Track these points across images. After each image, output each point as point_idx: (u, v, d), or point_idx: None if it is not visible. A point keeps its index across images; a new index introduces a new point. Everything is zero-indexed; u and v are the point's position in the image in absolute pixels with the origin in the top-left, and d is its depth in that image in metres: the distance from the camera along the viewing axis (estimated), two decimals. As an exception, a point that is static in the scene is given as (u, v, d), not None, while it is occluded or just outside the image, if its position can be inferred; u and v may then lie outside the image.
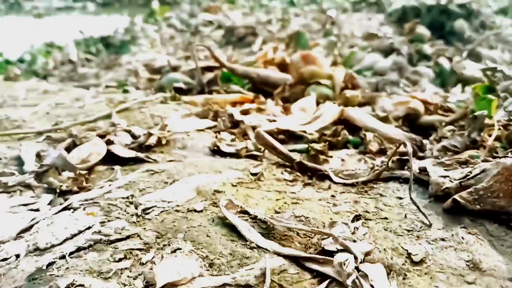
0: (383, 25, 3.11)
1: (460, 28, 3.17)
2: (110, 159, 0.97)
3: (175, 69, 2.07)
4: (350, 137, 1.26)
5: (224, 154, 1.02)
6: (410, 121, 1.48)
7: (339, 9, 4.80)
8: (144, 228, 0.74)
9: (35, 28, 7.33)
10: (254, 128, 1.19)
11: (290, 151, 1.16)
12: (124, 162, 0.96)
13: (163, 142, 1.02)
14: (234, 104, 1.60)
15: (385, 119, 1.35)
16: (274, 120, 1.28)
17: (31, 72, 3.09)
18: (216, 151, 1.02)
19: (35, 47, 4.89)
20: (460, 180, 0.88)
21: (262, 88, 1.85)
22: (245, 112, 1.33)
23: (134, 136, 1.05)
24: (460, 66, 2.23)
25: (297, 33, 2.33)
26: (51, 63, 2.94)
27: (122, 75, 2.00)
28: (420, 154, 1.20)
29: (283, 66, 2.09)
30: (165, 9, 3.50)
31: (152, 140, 1.00)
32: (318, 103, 1.58)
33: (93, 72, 1.97)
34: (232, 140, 1.06)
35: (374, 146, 1.20)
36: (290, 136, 1.22)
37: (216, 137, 1.07)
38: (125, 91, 1.93)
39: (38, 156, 0.96)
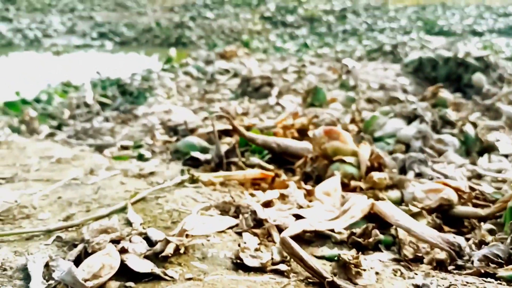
0: (399, 75, 3.07)
1: (477, 81, 3.13)
2: (124, 272, 0.88)
3: (192, 130, 2.02)
4: (382, 236, 1.16)
5: (247, 268, 0.93)
6: (442, 211, 1.39)
7: (353, 55, 4.80)
8: None
9: (53, 65, 7.47)
10: (278, 227, 1.11)
11: (318, 257, 1.07)
12: (139, 277, 0.88)
13: (182, 250, 0.94)
14: (254, 181, 1.54)
15: (418, 215, 1.27)
16: (299, 215, 1.20)
17: (46, 115, 3.06)
18: (239, 264, 0.94)
19: (52, 85, 4.95)
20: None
21: (282, 157, 1.80)
22: (267, 204, 1.26)
23: (150, 242, 0.97)
24: (487, 134, 2.15)
25: (314, 88, 2.29)
26: (67, 112, 2.92)
27: (137, 130, 1.95)
28: (459, 262, 1.10)
29: (302, 132, 2.04)
30: (182, 55, 3.51)
31: (169, 250, 0.92)
32: (343, 184, 1.50)
33: (109, 127, 1.92)
34: (256, 249, 0.97)
35: (409, 251, 1.11)
36: (317, 235, 1.14)
37: (239, 245, 0.98)
38: (140, 156, 1.87)
39: (47, 266, 0.88)
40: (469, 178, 1.61)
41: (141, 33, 10.04)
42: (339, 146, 1.61)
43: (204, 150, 1.71)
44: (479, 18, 14.06)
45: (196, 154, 1.71)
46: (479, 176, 1.80)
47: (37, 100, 4.01)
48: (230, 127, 1.83)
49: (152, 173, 1.51)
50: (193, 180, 1.34)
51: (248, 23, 11.56)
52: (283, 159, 1.79)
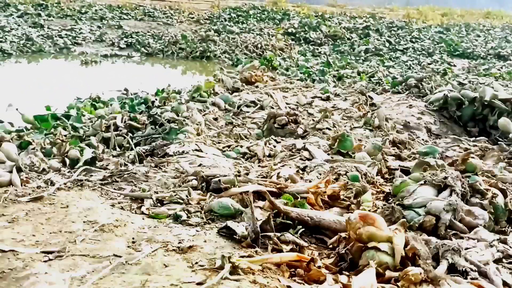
0: (424, 113, 3.13)
1: (504, 126, 3.14)
2: None
3: (225, 188, 2.02)
4: None
5: None
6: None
7: (377, 87, 4.82)
8: None
9: (82, 76, 7.72)
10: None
11: None
12: None
13: None
14: (290, 263, 1.60)
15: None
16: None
17: (77, 137, 3.20)
18: None
19: (81, 99, 5.13)
20: None
21: (315, 229, 1.86)
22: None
23: None
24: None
25: (342, 135, 2.37)
26: (99, 147, 3.01)
27: (171, 176, 2.03)
28: None
29: (333, 198, 2.08)
30: (209, 85, 3.62)
31: None
32: (377, 274, 1.54)
33: (143, 171, 2.01)
34: None
35: None
36: None
37: None
38: (177, 217, 1.94)
39: None
40: (499, 260, 1.63)
41: (167, 45, 10.26)
42: (374, 232, 1.64)
43: (237, 212, 1.82)
44: (504, 41, 13.93)
45: (231, 224, 1.76)
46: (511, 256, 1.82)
47: (67, 116, 4.18)
48: (261, 188, 1.90)
49: (191, 248, 1.60)
50: (234, 271, 1.43)
51: (272, 39, 11.70)
52: (316, 230, 1.85)
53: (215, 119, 2.84)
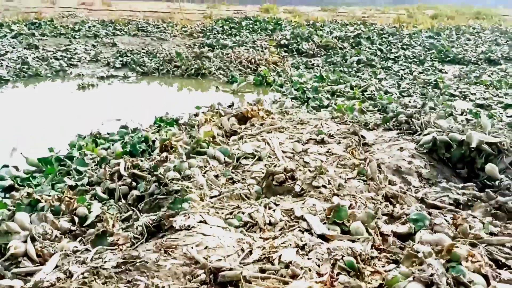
0: (415, 157, 3.26)
1: (490, 172, 3.25)
2: None
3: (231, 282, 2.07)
4: None
5: None
6: None
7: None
8: None
9: (80, 103, 7.82)
10: None
11: None
12: None
13: None
14: None
15: None
16: None
17: (83, 191, 3.32)
18: None
19: (82, 135, 5.24)
20: None
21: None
22: None
23: None
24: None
25: (337, 206, 2.51)
26: (103, 184, 3.15)
27: (180, 264, 2.07)
28: None
29: None
30: (208, 133, 3.73)
31: None
32: None
33: (153, 259, 2.07)
34: None
35: None
36: None
37: None
38: None
39: None
40: None
41: (162, 63, 10.37)
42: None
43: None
44: (493, 44, 14.15)
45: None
46: None
47: (70, 158, 4.30)
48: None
49: None
50: None
51: (265, 52, 11.85)
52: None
53: (216, 176, 2.96)
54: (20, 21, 14.79)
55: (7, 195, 3.62)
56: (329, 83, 8.98)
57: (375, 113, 6.50)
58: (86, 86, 8.60)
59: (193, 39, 13.65)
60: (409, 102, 7.40)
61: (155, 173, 2.90)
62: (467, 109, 7.14)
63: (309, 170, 2.92)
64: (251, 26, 15.44)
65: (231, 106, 5.65)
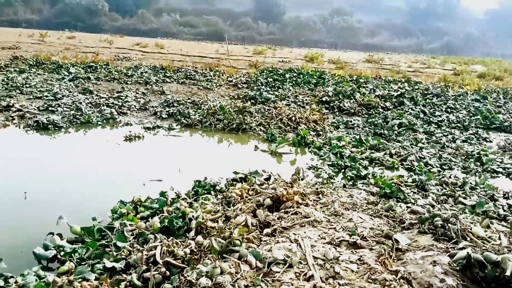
0: (448, 274, 3.19)
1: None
2: None
3: None
4: None
5: None
6: None
7: (403, 219, 4.74)
8: None
9: (126, 158, 8.20)
10: None
11: None
12: None
13: None
14: None
15: None
16: None
17: (120, 280, 3.46)
18: None
19: (124, 202, 5.48)
20: None
21: None
22: None
23: None
24: None
25: None
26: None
27: None
28: None
29: None
30: (242, 230, 3.83)
31: None
32: None
33: None
34: None
35: None
36: None
37: None
38: None
39: None
40: None
41: (206, 115, 10.76)
42: None
43: None
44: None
45: None
46: None
47: (111, 228, 4.54)
48: None
49: None
50: None
51: (306, 108, 12.04)
52: None
53: (247, 286, 3.02)
54: (78, 63, 15.84)
55: (50, 267, 3.86)
56: (368, 148, 9.00)
57: (413, 192, 6.43)
58: (133, 138, 9.02)
59: (237, 90, 14.10)
60: (450, 177, 7.28)
61: (188, 278, 3.02)
62: (510, 191, 6.92)
63: (338, 284, 2.94)
64: (294, 79, 15.77)
65: (267, 179, 5.77)
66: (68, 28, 76.64)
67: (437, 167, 8.22)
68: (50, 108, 10.43)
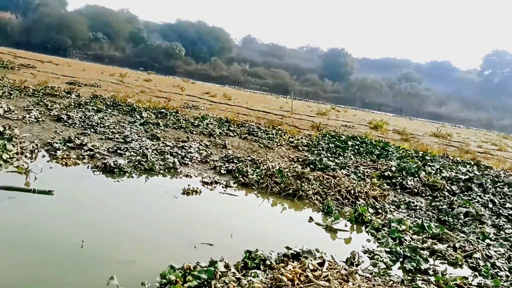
0: None
1: None
2: None
3: None
4: None
5: None
6: None
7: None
8: None
9: (182, 212, 8.32)
10: None
11: None
12: None
13: None
14: None
15: None
16: None
17: None
18: None
19: (174, 268, 5.47)
20: None
21: None
22: None
23: None
24: None
25: None
26: None
27: None
28: None
29: None
30: None
31: None
32: None
33: None
34: None
35: None
36: None
37: None
38: None
39: None
40: None
41: (263, 176, 10.75)
42: None
43: None
44: None
45: None
46: None
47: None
48: None
49: None
50: None
51: (366, 181, 11.71)
52: None
53: None
54: (150, 107, 16.69)
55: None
56: (430, 237, 8.47)
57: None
58: (191, 192, 9.15)
59: (297, 152, 14.07)
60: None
61: None
62: None
63: None
64: (356, 147, 15.52)
65: (321, 264, 5.54)
66: (145, 67, 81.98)
67: (505, 270, 7.52)
68: (118, 151, 10.93)
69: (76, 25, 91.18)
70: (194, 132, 14.33)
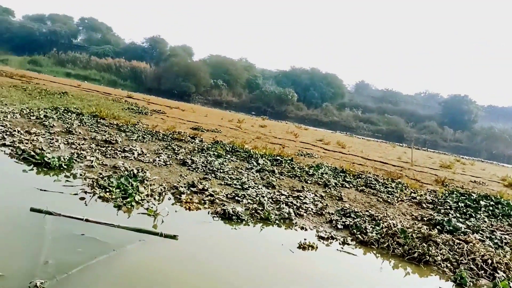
0: None
1: None
2: None
3: None
4: None
5: None
6: None
7: None
8: None
9: (298, 267, 8.02)
10: None
11: None
12: None
13: None
14: None
15: None
16: None
17: None
18: None
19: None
20: None
21: None
22: None
23: None
24: None
25: None
26: None
27: None
28: None
29: None
30: None
31: None
32: None
33: None
34: None
35: None
36: None
37: None
38: None
39: None
40: None
41: (384, 235, 10.00)
42: None
43: None
44: None
45: None
46: None
47: None
48: None
49: None
50: None
51: (505, 248, 10.22)
52: None
53: None
54: (266, 154, 16.99)
55: None
56: None
57: None
58: (307, 247, 8.83)
59: (421, 210, 12.96)
60: None
61: None
62: None
63: None
64: (490, 208, 13.81)
65: None
66: (258, 112, 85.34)
67: None
68: (236, 198, 11.13)
69: (200, 73, 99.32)
70: (308, 182, 14.11)
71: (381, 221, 11.06)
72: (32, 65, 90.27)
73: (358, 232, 10.17)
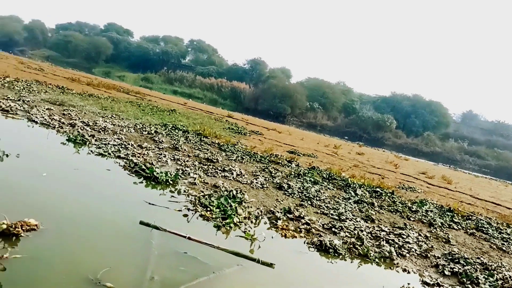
0: None
1: None
2: None
3: None
4: None
5: None
6: None
7: None
8: None
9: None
10: None
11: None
12: None
13: None
14: None
15: None
16: None
17: None
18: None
19: None
20: None
21: None
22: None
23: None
24: None
25: None
26: None
27: None
28: None
29: None
30: None
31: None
32: None
33: None
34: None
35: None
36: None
37: None
38: None
39: None
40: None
41: (500, 289, 8.91)
42: None
43: None
44: None
45: None
46: None
47: None
48: None
49: None
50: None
51: None
52: None
53: None
54: (364, 184, 16.30)
55: None
56: None
57: None
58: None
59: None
60: None
61: None
62: None
63: None
64: None
65: None
66: (353, 137, 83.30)
67: None
68: (333, 229, 10.77)
69: (297, 95, 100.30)
70: (411, 219, 13.20)
71: (494, 271, 9.89)
72: (145, 82, 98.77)
73: (469, 282, 9.18)
